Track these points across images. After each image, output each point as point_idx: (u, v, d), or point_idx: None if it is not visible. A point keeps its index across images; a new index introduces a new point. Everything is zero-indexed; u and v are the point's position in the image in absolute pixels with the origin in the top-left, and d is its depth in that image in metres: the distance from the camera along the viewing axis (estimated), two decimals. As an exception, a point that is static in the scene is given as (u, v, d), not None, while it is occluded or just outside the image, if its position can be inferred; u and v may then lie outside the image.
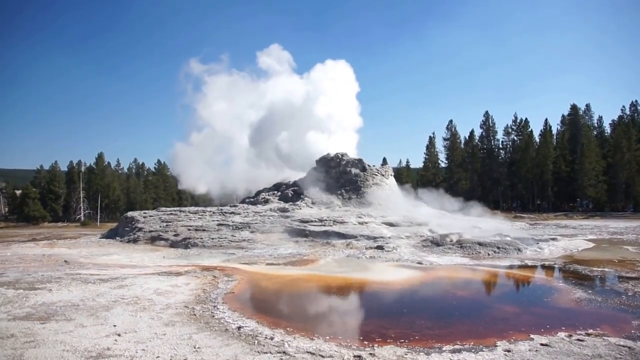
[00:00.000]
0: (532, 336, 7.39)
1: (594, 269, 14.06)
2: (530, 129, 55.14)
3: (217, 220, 25.56)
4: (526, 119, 55.90)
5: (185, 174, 47.72)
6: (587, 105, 56.20)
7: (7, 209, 62.90)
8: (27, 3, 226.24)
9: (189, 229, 24.12)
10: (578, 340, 7.11)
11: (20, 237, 33.21)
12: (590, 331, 7.60)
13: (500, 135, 57.86)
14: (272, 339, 7.25)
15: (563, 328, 7.82)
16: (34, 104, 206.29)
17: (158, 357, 6.27)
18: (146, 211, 31.39)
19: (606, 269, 14.00)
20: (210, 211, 28.28)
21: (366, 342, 7.26)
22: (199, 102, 54.39)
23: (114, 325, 7.81)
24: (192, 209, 30.49)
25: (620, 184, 47.17)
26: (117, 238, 26.26)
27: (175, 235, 23.47)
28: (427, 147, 60.06)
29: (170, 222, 25.98)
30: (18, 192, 60.22)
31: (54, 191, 57.01)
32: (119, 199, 58.64)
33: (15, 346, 6.64)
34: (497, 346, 6.93)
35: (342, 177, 31.13)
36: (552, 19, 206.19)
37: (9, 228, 49.52)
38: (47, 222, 53.93)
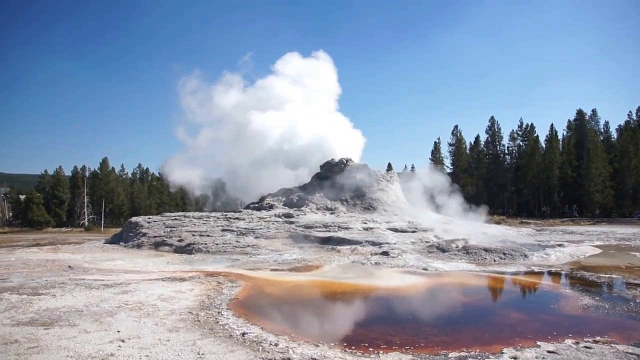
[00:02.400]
0: (539, 343, 7.31)
1: (602, 275, 13.92)
2: (536, 134, 55.03)
3: (222, 226, 25.55)
4: (532, 124, 55.84)
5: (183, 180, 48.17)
6: (594, 111, 56.01)
7: (11, 214, 63.25)
8: (31, 6, 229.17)
9: (193, 235, 24.11)
10: (585, 347, 7.02)
11: (24, 242, 33.35)
12: (598, 338, 7.50)
13: (506, 141, 57.88)
14: (276, 345, 7.20)
15: (570, 335, 7.72)
16: (38, 108, 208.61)
17: (161, 363, 6.25)
18: (150, 216, 31.42)
19: (614, 276, 13.85)
20: (214, 216, 28.28)
21: (371, 349, 7.20)
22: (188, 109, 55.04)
23: (118, 331, 7.79)
24: (197, 214, 30.49)
25: (628, 189, 46.83)
26: (121, 243, 26.28)
27: (179, 241, 23.47)
28: (433, 153, 59.98)
29: (174, 227, 25.99)
30: (22, 197, 60.53)
31: (58, 196, 57.27)
32: (123, 204, 58.81)
33: (19, 352, 6.64)
34: (503, 353, 6.86)
35: (347, 182, 31.05)
36: (557, 23, 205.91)
37: (13, 233, 49.78)
38: (51, 227, 54.13)
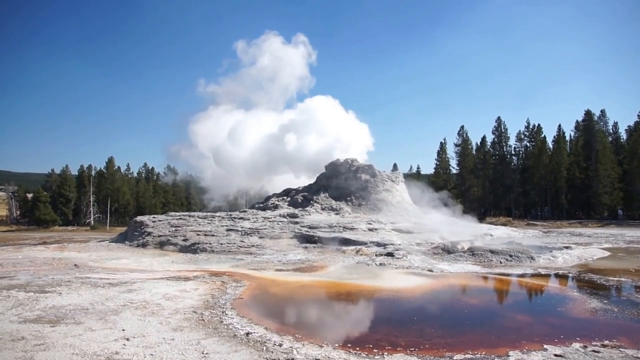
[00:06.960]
0: (545, 346, 7.23)
1: (610, 278, 13.76)
2: (543, 135, 54.30)
3: (226, 226, 25.61)
4: (539, 124, 55.11)
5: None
6: (602, 111, 55.06)
7: (18, 213, 63.77)
8: (35, 4, 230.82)
9: (197, 234, 24.18)
10: (593, 351, 6.92)
11: (31, 241, 33.61)
12: (606, 342, 7.40)
13: (512, 142, 57.19)
14: (280, 345, 7.18)
15: (578, 339, 7.63)
16: (45, 108, 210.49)
17: (166, 362, 6.24)
18: (155, 216, 31.58)
19: (622, 279, 13.68)
20: (219, 216, 28.35)
21: (376, 350, 7.16)
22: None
23: (123, 330, 7.81)
24: (201, 214, 30.60)
25: (637, 191, 46.19)
26: (126, 242, 26.41)
27: (184, 240, 23.55)
28: (438, 153, 59.52)
29: (179, 227, 26.08)
30: (29, 195, 61.03)
31: (65, 195, 57.69)
32: (128, 203, 59.07)
33: (25, 349, 6.67)
34: (509, 356, 6.79)
35: (352, 183, 31.00)
36: (563, 25, 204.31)
37: (20, 231, 50.20)
38: (57, 226, 54.56)
